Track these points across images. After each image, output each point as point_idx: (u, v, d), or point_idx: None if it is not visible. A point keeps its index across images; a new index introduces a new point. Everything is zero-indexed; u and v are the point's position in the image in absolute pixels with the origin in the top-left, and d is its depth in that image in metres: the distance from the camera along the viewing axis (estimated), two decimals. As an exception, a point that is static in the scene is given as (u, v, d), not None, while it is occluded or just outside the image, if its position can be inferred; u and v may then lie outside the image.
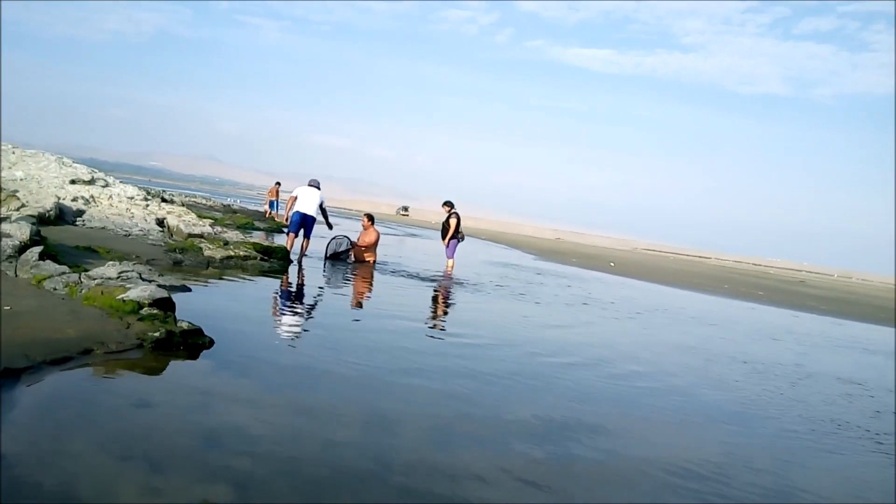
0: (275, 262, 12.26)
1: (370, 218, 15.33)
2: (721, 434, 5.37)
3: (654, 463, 4.33)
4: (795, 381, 7.98)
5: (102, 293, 5.91)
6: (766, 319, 16.22)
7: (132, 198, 16.33)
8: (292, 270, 12.25)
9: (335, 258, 14.56)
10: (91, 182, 16.22)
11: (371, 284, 12.26)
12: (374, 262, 14.79)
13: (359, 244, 14.94)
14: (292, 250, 13.60)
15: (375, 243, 14.95)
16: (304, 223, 13.75)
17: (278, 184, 30.96)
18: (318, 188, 14.19)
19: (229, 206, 37.07)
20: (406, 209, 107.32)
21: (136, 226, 13.54)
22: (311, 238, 14.43)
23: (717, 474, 4.27)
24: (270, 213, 30.04)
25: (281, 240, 16.07)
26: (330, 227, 14.89)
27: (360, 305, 9.93)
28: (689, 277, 30.84)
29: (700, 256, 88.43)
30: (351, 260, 14.80)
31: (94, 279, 6.39)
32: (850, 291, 40.81)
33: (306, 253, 14.24)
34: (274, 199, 31.19)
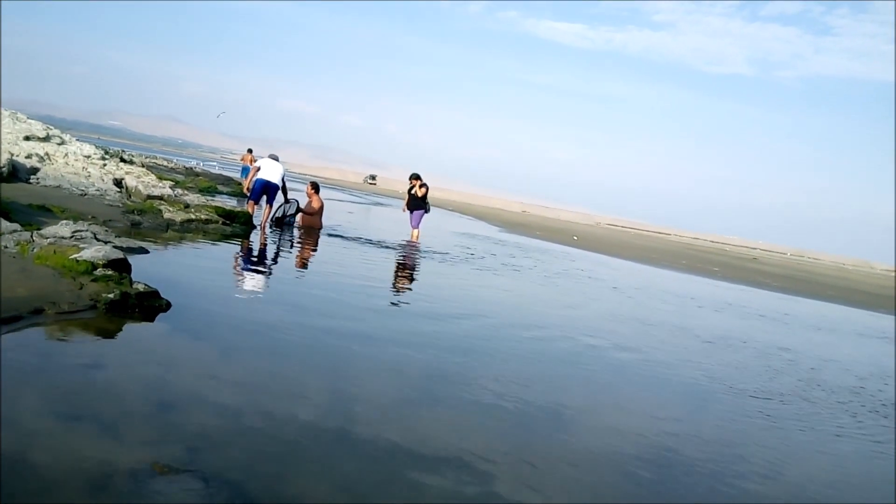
0: (237, 226, 12.13)
1: (314, 186, 15.34)
2: (631, 379, 5.58)
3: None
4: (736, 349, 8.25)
5: (55, 252, 5.80)
6: (714, 294, 16.64)
7: (89, 157, 15.90)
8: (255, 235, 12.15)
9: (280, 222, 14.49)
10: (46, 139, 15.72)
11: (335, 252, 12.23)
12: (321, 228, 14.79)
13: (305, 211, 14.90)
14: (254, 216, 13.48)
15: (321, 211, 15.01)
16: (268, 190, 13.57)
17: (250, 150, 30.67)
18: (278, 160, 14.25)
19: (192, 168, 36.35)
20: (374, 178, 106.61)
21: (93, 185, 13.23)
22: (274, 205, 14.31)
23: (642, 413, 4.45)
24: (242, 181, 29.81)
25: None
26: (287, 200, 14.85)
27: (321, 272, 9.92)
28: (649, 253, 31.38)
29: (660, 232, 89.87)
30: (297, 224, 14.80)
31: (47, 238, 6.26)
32: (801, 269, 42.04)
33: (269, 219, 14.12)
34: (248, 165, 30.79)
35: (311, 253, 11.85)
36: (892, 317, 18.69)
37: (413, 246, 14.95)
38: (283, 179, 13.98)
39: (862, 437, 5.46)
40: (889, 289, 34.22)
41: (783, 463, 4.48)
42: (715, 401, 5.84)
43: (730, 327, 10.58)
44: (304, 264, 10.60)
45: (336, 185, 71.41)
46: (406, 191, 17.15)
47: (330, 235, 14.12)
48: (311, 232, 14.28)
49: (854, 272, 57.00)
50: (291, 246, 12.15)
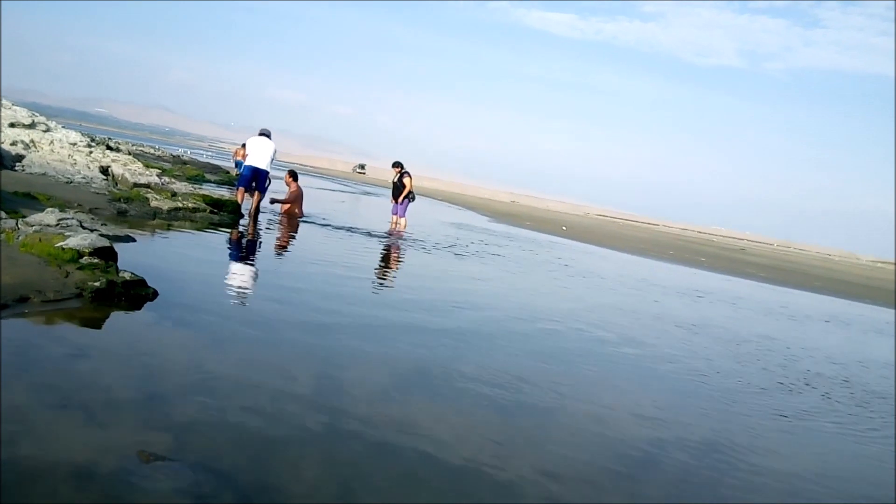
0: (225, 215, 12.06)
1: (293, 175, 15.26)
2: (614, 362, 5.64)
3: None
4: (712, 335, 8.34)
5: (40, 240, 5.75)
6: (701, 284, 16.76)
7: (75, 144, 15.75)
8: (243, 224, 12.10)
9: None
10: (32, 126, 15.55)
11: (322, 241, 12.21)
12: (301, 216, 14.74)
13: (285, 200, 14.82)
14: (243, 205, 13.35)
15: (300, 199, 14.96)
16: (257, 177, 13.29)
17: (244, 146, 30.43)
18: (269, 137, 13.65)
19: (179, 156, 36.09)
20: (363, 167, 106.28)
21: (79, 173, 13.11)
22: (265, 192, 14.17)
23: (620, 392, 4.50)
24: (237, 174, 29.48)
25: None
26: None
27: (309, 261, 9.90)
28: (638, 243, 31.51)
29: (649, 223, 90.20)
30: (277, 211, 14.70)
31: (32, 226, 6.20)
32: (787, 260, 42.36)
33: (259, 207, 13.99)
34: (241, 160, 30.51)
35: (299, 243, 11.82)
36: (874, 306, 18.91)
37: (398, 235, 14.96)
38: (272, 161, 13.49)
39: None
40: (874, 279, 34.58)
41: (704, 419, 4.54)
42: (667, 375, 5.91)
43: (712, 315, 10.68)
44: (291, 254, 10.57)
45: (326, 175, 71.19)
46: (393, 181, 17.13)
47: (320, 225, 14.08)
48: (292, 220, 14.20)
49: (840, 263, 57.51)
50: (278, 235, 12.11)
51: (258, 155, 13.27)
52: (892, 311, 18.85)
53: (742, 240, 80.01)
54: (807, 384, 6.78)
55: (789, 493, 3.95)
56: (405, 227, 16.09)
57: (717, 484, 3.85)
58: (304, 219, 14.51)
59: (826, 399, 6.32)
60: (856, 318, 15.07)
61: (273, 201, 14.65)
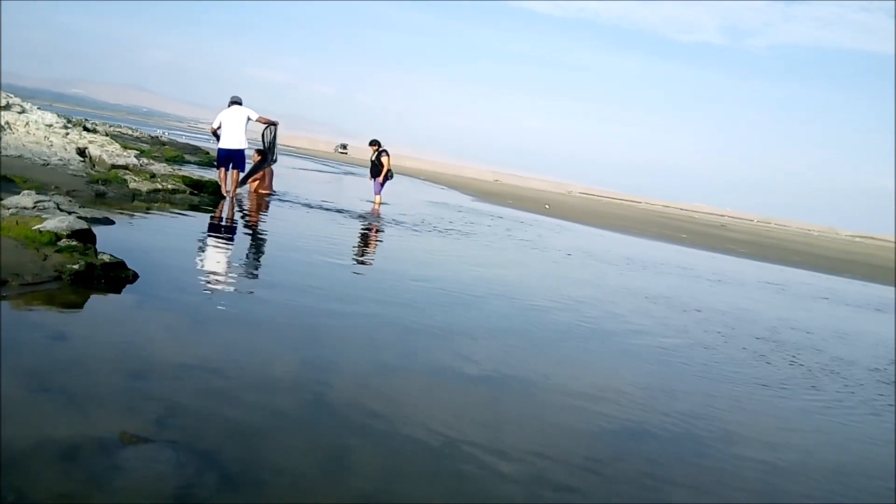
0: (205, 196, 11.96)
1: (261, 153, 15.06)
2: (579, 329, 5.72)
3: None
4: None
5: (17, 223, 5.67)
6: (679, 260, 16.92)
7: (51, 125, 15.47)
8: (223, 205, 11.99)
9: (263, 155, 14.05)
10: (6, 108, 15.26)
11: (302, 221, 12.15)
12: (271, 193, 14.61)
13: (253, 172, 14.50)
14: (224, 185, 13.12)
15: (271, 176, 14.84)
16: (232, 157, 12.95)
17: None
18: (241, 103, 12.98)
19: (158, 137, 35.61)
20: (345, 147, 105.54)
21: (56, 155, 12.90)
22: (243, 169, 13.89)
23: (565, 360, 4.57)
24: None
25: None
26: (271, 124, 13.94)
27: (291, 240, 9.85)
28: (620, 220, 31.70)
29: (631, 201, 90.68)
30: (275, 160, 14.48)
31: (9, 209, 6.11)
32: (767, 236, 42.84)
33: (238, 185, 13.80)
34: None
35: (279, 223, 11.75)
36: (857, 281, 19.21)
37: (378, 214, 14.89)
38: (251, 121, 12.91)
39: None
40: (852, 253, 35.10)
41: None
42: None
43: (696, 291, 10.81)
44: (271, 234, 10.51)
45: (307, 155, 70.59)
46: (371, 159, 17.03)
47: (301, 205, 14.01)
48: (262, 198, 13.99)
49: (820, 238, 58.25)
50: (259, 215, 12.03)
51: (231, 133, 12.73)
52: (872, 284, 19.17)
53: (723, 216, 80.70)
54: (776, 352, 6.90)
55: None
56: (380, 203, 16.10)
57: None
58: (280, 197, 14.36)
59: (797, 367, 6.43)
60: (833, 293, 15.31)
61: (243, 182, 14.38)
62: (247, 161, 13.36)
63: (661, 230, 28.92)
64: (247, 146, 12.93)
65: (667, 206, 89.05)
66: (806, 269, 20.78)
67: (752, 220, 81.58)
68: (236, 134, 12.66)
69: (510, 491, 3.07)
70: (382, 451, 3.23)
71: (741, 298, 11.15)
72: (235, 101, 12.94)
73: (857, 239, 71.41)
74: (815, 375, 6.31)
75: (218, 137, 12.74)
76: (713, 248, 23.33)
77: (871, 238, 77.04)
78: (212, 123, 13.12)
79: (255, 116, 13.01)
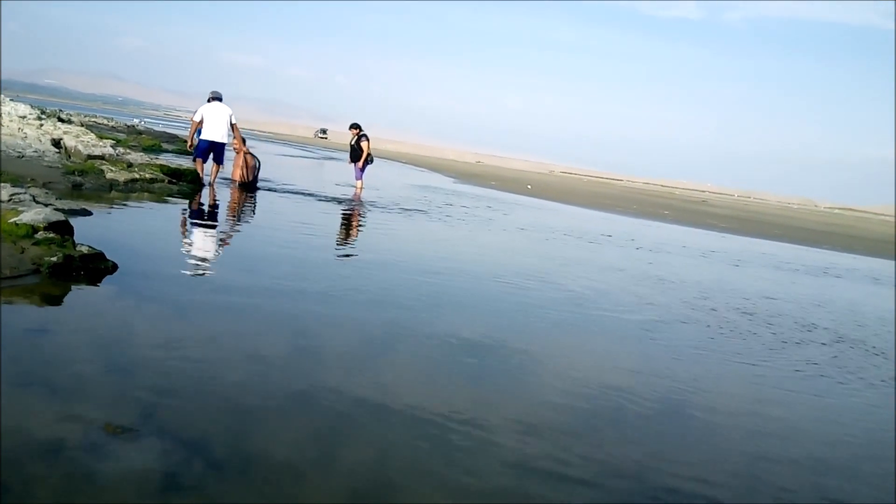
0: (184, 184, 11.82)
1: (241, 141, 14.91)
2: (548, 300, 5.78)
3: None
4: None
5: (-7, 217, 5.59)
6: (661, 235, 17.05)
7: (24, 117, 15.23)
8: (203, 194, 11.87)
9: (251, 187, 13.95)
10: (-24, 100, 14.97)
11: (283, 208, 12.07)
12: (251, 181, 14.47)
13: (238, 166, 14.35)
14: (203, 175, 12.99)
15: (251, 164, 14.67)
16: (214, 150, 12.89)
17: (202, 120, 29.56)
18: (221, 100, 13.09)
19: (134, 126, 35.14)
20: (325, 132, 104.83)
21: (30, 147, 12.68)
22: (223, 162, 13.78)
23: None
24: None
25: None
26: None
27: (270, 228, 9.78)
28: (602, 199, 31.81)
29: (613, 179, 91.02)
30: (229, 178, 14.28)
31: (-17, 203, 6.01)
32: (748, 210, 43.24)
33: (218, 178, 13.68)
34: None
35: (260, 210, 11.65)
36: (834, 251, 19.46)
37: (359, 199, 14.78)
38: (231, 125, 12.95)
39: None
40: (832, 225, 35.54)
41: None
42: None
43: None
44: (252, 221, 10.45)
45: (287, 141, 70.04)
46: (351, 143, 16.83)
47: (281, 192, 13.90)
48: (244, 186, 13.79)
49: (799, 211, 58.92)
50: (239, 204, 11.92)
51: (214, 126, 12.80)
52: (847, 255, 19.44)
53: (704, 192, 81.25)
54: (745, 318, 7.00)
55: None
56: (361, 188, 15.97)
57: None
58: (261, 184, 14.21)
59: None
60: (812, 264, 15.51)
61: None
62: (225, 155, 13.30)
63: (644, 207, 29.08)
64: (227, 141, 12.99)
65: (647, 183, 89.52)
66: (789, 243, 21.00)
67: (732, 195, 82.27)
68: (219, 128, 12.78)
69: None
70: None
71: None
72: (216, 98, 13.07)
73: (836, 211, 72.30)
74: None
75: (196, 149, 12.84)
76: (696, 223, 23.50)
77: (850, 209, 78.06)
78: (193, 117, 13.12)
79: (234, 120, 13.16)
